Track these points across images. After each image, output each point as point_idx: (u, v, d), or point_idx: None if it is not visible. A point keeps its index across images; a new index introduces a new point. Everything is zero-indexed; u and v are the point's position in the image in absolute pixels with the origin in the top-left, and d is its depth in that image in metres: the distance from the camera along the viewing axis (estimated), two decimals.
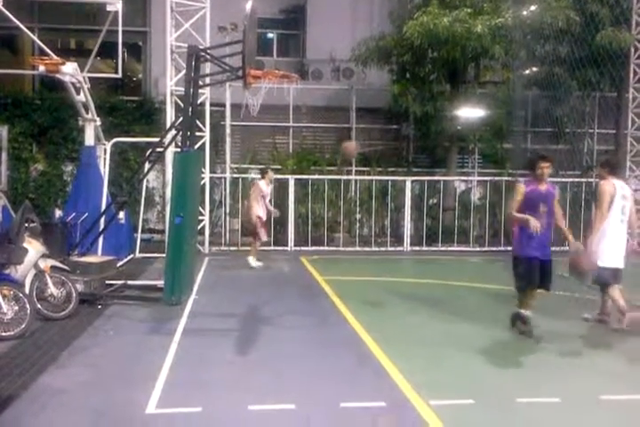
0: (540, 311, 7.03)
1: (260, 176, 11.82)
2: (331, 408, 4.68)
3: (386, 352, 6.06)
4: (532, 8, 13.37)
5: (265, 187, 11.50)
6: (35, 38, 11.28)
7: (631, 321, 6.96)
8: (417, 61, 14.47)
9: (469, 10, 13.28)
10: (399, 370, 5.51)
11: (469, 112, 14.70)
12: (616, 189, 7.11)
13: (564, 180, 13.69)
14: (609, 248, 7.07)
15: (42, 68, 9.85)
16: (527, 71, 14.53)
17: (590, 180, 14.69)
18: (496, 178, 15.12)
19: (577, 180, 14.49)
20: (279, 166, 15.50)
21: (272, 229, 14.02)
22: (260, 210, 11.32)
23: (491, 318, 7.57)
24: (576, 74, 13.09)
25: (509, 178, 14.41)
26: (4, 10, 9.78)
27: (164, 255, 8.69)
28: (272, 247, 13.71)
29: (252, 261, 11.56)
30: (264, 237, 11.74)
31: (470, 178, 16.16)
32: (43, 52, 10.95)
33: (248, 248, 12.06)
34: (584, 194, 14.33)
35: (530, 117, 15.75)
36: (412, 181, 14.68)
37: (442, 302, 8.69)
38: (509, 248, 12.86)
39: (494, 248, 14.21)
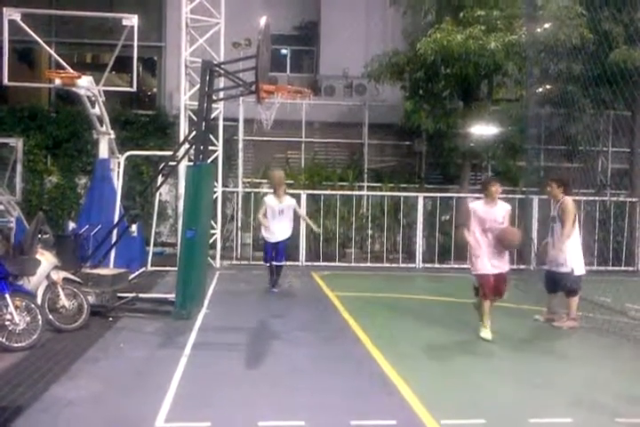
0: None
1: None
2: (341, 426, 4.62)
3: (397, 369, 6.00)
4: (546, 25, 13.38)
5: (481, 207, 7.46)
6: (52, 52, 11.41)
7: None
8: (430, 78, 14.49)
9: (483, 27, 13.29)
10: (410, 387, 5.45)
11: (482, 129, 14.66)
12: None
13: (577, 198, 13.59)
14: (580, 258, 8.05)
15: (58, 82, 9.99)
16: (540, 89, 14.50)
17: (605, 198, 14.63)
18: (509, 195, 15.03)
19: (591, 198, 14.41)
20: (291, 181, 15.52)
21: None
22: (480, 245, 7.25)
23: (503, 335, 7.49)
24: (590, 92, 13.05)
25: (522, 196, 14.33)
26: (22, 24, 9.93)
27: (175, 269, 8.71)
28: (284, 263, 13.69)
29: (483, 328, 7.35)
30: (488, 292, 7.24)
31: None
32: (59, 66, 11.09)
33: (260, 263, 11.85)
34: (598, 213, 14.24)
35: (543, 135, 15.70)
36: (425, 198, 14.64)
37: (454, 318, 8.61)
38: (522, 266, 12.82)
39: None
